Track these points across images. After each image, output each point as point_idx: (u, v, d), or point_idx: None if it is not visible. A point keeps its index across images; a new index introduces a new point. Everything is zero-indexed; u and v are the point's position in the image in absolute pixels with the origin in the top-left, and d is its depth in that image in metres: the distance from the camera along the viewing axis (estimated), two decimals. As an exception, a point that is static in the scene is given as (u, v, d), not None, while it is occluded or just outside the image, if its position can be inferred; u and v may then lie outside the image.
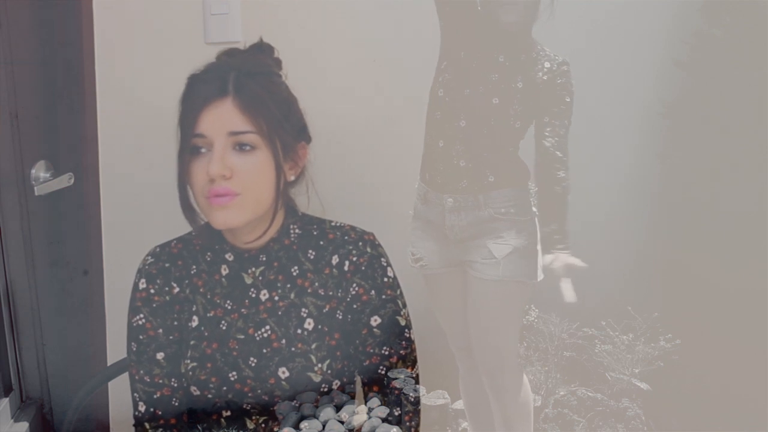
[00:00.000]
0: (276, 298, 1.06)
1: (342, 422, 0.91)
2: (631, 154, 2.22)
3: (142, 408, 1.05)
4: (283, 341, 1.04)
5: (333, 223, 1.11)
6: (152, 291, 1.07)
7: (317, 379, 1.02)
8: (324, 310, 1.05)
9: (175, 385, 1.05)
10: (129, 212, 1.81)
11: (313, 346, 1.04)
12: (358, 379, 1.07)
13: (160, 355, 1.05)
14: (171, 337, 1.06)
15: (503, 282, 1.60)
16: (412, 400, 1.03)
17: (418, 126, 1.68)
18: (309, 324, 1.05)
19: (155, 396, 1.04)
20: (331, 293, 1.06)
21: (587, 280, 2.23)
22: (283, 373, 1.03)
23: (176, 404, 1.05)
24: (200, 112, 0.98)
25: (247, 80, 0.99)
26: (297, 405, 0.96)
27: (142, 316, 1.06)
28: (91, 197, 1.53)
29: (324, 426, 0.90)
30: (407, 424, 1.00)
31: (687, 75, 2.24)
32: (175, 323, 1.07)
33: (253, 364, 1.04)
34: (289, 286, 1.06)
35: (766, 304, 1.92)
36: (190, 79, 1.01)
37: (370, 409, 0.95)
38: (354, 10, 2.06)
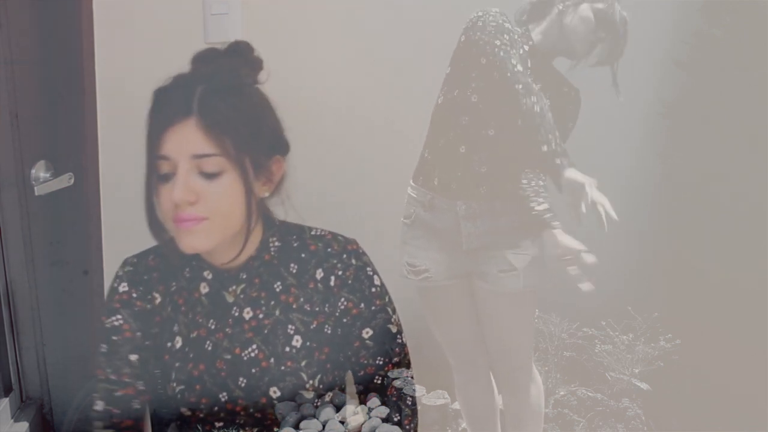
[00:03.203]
0: (261, 315, 1.02)
1: (342, 422, 0.91)
2: (631, 154, 2.23)
3: (99, 406, 1.00)
4: (272, 360, 1.00)
5: (313, 232, 1.06)
6: (134, 295, 1.03)
7: (309, 395, 0.98)
8: (312, 327, 1.02)
9: (141, 388, 1.02)
10: (129, 212, 1.81)
11: (303, 363, 1.01)
12: (349, 377, 1.06)
13: (133, 357, 1.01)
14: (147, 342, 1.02)
15: (522, 292, 1.59)
16: (410, 402, 1.02)
17: (417, 127, 1.67)
18: (297, 341, 1.01)
19: (116, 393, 1.00)
20: (317, 309, 1.02)
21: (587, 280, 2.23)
22: (274, 392, 1.00)
23: (137, 407, 1.01)
24: (163, 133, 0.93)
25: (214, 97, 0.93)
26: (297, 405, 0.96)
27: (120, 317, 1.02)
28: (91, 197, 1.53)
29: (324, 426, 0.90)
30: (407, 427, 0.99)
31: (687, 75, 2.24)
32: (153, 331, 1.03)
33: (243, 385, 1.00)
34: (273, 302, 1.02)
35: (766, 304, 1.92)
36: (155, 93, 0.96)
37: (370, 409, 0.94)
38: (354, 10, 2.06)
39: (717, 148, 2.13)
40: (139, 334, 1.02)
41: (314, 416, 0.92)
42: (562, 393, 2.21)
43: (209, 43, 1.89)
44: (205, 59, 0.99)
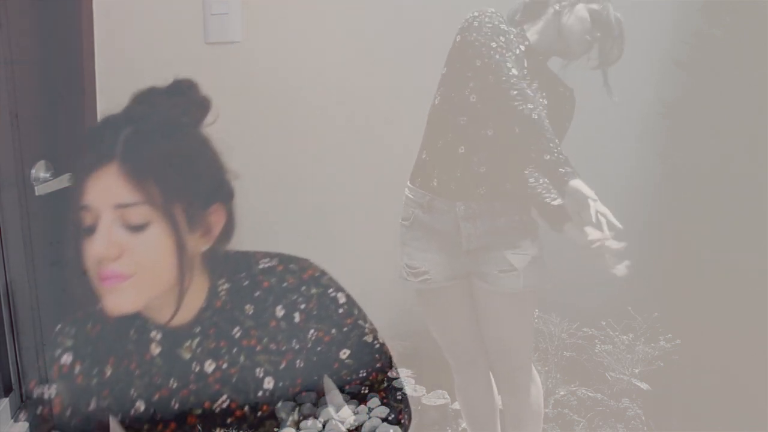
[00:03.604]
0: (224, 365, 0.94)
1: (342, 422, 0.91)
2: (631, 154, 2.23)
3: None
4: (246, 408, 0.95)
5: (261, 265, 0.97)
6: (77, 370, 0.93)
7: (294, 429, 0.96)
8: (281, 366, 0.95)
9: None
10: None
11: (279, 404, 0.96)
12: (328, 383, 1.02)
13: None
14: (73, 422, 0.94)
15: (522, 292, 1.59)
16: (399, 396, 1.01)
17: (417, 127, 1.67)
18: (269, 383, 0.95)
19: None
20: (284, 347, 0.95)
21: (587, 280, 2.23)
22: None
23: None
24: (84, 180, 0.83)
25: (140, 140, 0.83)
26: (297, 405, 0.96)
27: (54, 388, 0.93)
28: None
29: (324, 426, 0.90)
30: (402, 422, 0.98)
31: (687, 75, 2.24)
32: (89, 408, 0.95)
33: None
34: (235, 350, 0.94)
35: (766, 304, 1.92)
36: (79, 139, 0.90)
37: (370, 409, 0.94)
38: (354, 11, 2.06)
39: (717, 148, 2.13)
40: (69, 411, 0.94)
41: (314, 416, 0.92)
42: (562, 393, 2.21)
43: (209, 43, 1.89)
44: (141, 99, 0.90)
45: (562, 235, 1.46)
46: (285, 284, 0.96)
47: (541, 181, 1.50)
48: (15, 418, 1.35)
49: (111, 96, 1.64)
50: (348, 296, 0.99)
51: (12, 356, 1.39)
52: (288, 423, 0.92)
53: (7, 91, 1.26)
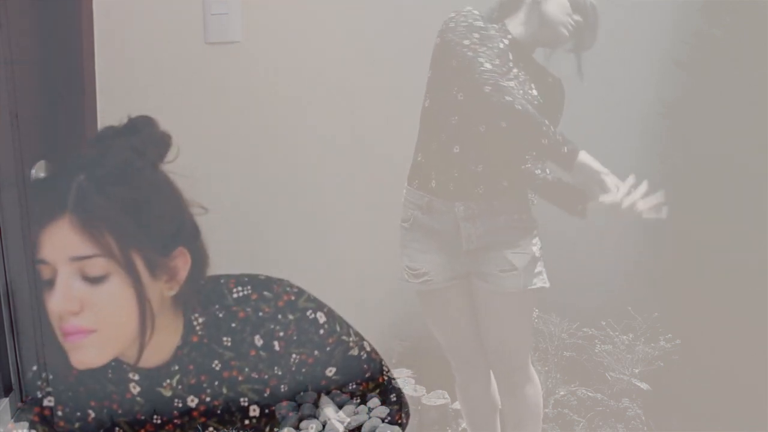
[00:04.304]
0: (207, 399, 0.93)
1: (342, 422, 0.91)
2: (631, 154, 2.22)
3: None
4: None
5: (235, 294, 0.94)
6: (60, 414, 0.92)
7: (291, 423, 0.95)
8: (265, 394, 0.94)
9: None
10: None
11: (267, 429, 0.95)
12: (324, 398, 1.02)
13: None
14: None
15: (523, 291, 1.59)
16: (395, 400, 1.01)
17: (417, 127, 1.67)
18: (254, 410, 0.94)
19: None
20: (267, 375, 0.94)
21: (587, 280, 2.23)
22: None
23: None
24: (39, 234, 0.80)
25: (93, 190, 0.79)
26: (297, 405, 0.96)
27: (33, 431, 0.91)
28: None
29: (324, 426, 0.90)
30: (399, 421, 0.98)
31: (687, 75, 2.24)
32: None
33: None
34: (216, 383, 0.93)
35: (766, 304, 1.92)
36: (31, 191, 0.87)
37: (370, 409, 0.94)
38: (354, 11, 2.06)
39: (717, 148, 2.13)
40: None
41: (314, 416, 0.92)
42: (562, 393, 2.21)
43: (209, 43, 1.89)
44: (95, 142, 0.85)
45: (586, 217, 1.45)
46: (261, 313, 0.93)
47: (548, 170, 1.51)
48: (15, 418, 1.35)
49: (111, 96, 1.65)
50: (328, 313, 0.97)
51: (12, 356, 1.39)
52: (288, 423, 0.92)
53: (7, 91, 1.26)
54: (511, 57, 1.55)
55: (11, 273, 1.36)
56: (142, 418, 0.93)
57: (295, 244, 2.03)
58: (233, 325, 0.93)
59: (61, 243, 0.79)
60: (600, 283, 2.28)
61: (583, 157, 1.41)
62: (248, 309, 0.93)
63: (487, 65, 1.43)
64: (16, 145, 1.30)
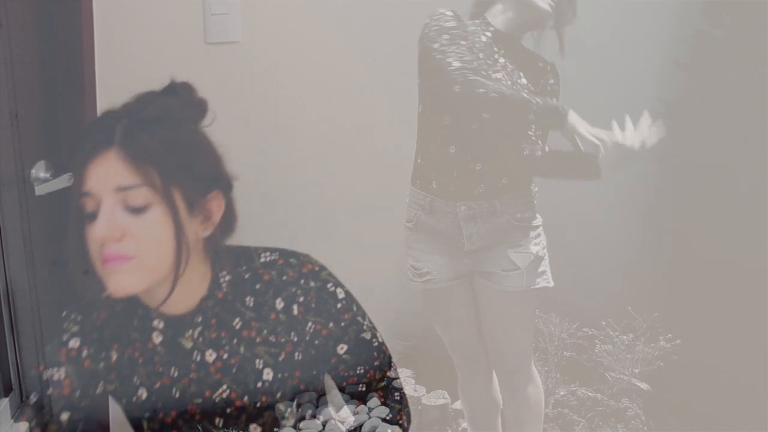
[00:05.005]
0: (225, 356, 0.96)
1: (342, 422, 0.91)
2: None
3: None
4: (246, 398, 0.97)
5: (262, 259, 1.00)
6: (84, 354, 0.96)
7: (291, 422, 0.97)
8: (280, 358, 0.97)
9: None
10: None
11: (278, 395, 0.97)
12: (329, 381, 1.03)
13: (64, 416, 0.94)
14: (83, 402, 0.96)
15: (525, 291, 1.59)
16: (398, 396, 1.01)
17: (416, 128, 1.67)
18: (268, 374, 0.97)
19: None
20: (284, 339, 0.97)
21: (587, 280, 2.23)
22: (255, 429, 0.97)
23: None
24: (85, 167, 0.86)
25: (138, 129, 0.87)
26: (297, 405, 0.96)
27: (63, 371, 0.94)
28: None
29: (324, 426, 0.90)
30: (400, 422, 0.98)
31: (687, 75, 2.24)
32: (97, 391, 0.97)
33: (221, 424, 0.97)
34: (235, 340, 0.97)
35: (766, 304, 1.92)
36: (78, 132, 0.92)
37: (370, 409, 0.94)
38: (354, 11, 2.06)
39: (717, 148, 2.13)
40: (78, 393, 0.95)
41: (314, 416, 0.92)
42: (562, 393, 2.21)
43: (209, 43, 1.89)
44: (138, 97, 0.93)
45: (601, 175, 1.45)
46: (285, 277, 0.98)
47: (546, 149, 1.52)
48: (15, 418, 1.35)
49: (111, 96, 1.64)
50: (347, 292, 1.01)
51: (12, 356, 1.39)
52: (288, 423, 0.92)
53: (7, 91, 1.26)
54: (495, 48, 1.56)
55: (11, 273, 1.36)
56: (160, 369, 0.97)
57: (296, 245, 2.03)
58: (258, 286, 0.98)
59: (107, 174, 0.85)
60: (600, 283, 2.28)
61: (572, 117, 1.43)
62: (273, 272, 0.98)
63: (456, 63, 1.43)
64: (16, 145, 1.30)
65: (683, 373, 2.12)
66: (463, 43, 1.48)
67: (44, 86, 1.40)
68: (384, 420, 0.93)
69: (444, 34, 1.48)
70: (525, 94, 1.44)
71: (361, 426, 0.92)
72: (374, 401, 0.96)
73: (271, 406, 0.97)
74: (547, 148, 1.54)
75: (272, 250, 1.01)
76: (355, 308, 1.01)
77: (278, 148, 2.02)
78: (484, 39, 1.55)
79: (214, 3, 1.87)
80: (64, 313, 0.99)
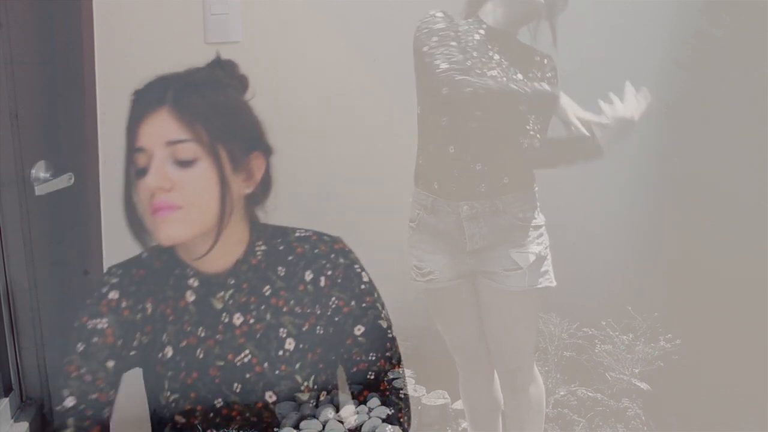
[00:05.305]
0: (251, 320, 1.01)
1: (342, 422, 0.91)
2: (632, 154, 2.23)
3: (70, 403, 0.96)
4: (266, 365, 1.00)
5: (298, 234, 1.06)
6: (123, 305, 1.01)
7: (305, 397, 1.00)
8: (303, 329, 1.02)
9: (112, 397, 0.99)
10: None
11: (297, 365, 1.01)
12: (341, 377, 1.05)
13: (110, 363, 0.98)
14: (124, 353, 1.00)
15: (527, 291, 1.59)
16: (403, 397, 1.02)
17: (417, 128, 1.67)
18: (290, 344, 1.01)
19: (91, 396, 0.97)
20: (309, 310, 1.02)
21: (587, 280, 2.23)
22: (270, 396, 1.00)
23: (105, 416, 0.97)
24: (138, 125, 0.94)
25: (187, 90, 0.95)
26: (297, 405, 0.96)
27: (105, 321, 0.99)
28: (91, 197, 1.53)
29: (324, 426, 0.90)
30: (401, 420, 0.99)
31: (688, 75, 2.24)
32: (135, 344, 1.01)
33: (238, 390, 1.00)
34: (263, 307, 1.02)
35: (766, 304, 1.92)
36: (133, 95, 0.97)
37: (370, 409, 0.94)
38: (354, 11, 2.06)
39: (717, 148, 2.13)
40: (120, 342, 1.00)
41: (314, 416, 0.92)
42: (562, 393, 2.21)
43: (209, 43, 1.89)
44: (186, 69, 1.01)
45: (604, 152, 1.47)
46: (316, 250, 1.04)
47: (539, 125, 1.53)
48: (15, 418, 1.35)
49: (111, 96, 1.64)
50: (371, 280, 1.06)
51: (12, 356, 1.39)
52: (288, 423, 0.92)
53: (7, 91, 1.26)
54: (489, 46, 1.56)
55: (11, 273, 1.36)
56: (188, 329, 1.02)
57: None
58: (290, 258, 1.04)
59: (159, 130, 0.93)
60: (600, 283, 2.28)
61: (564, 101, 1.44)
62: (306, 246, 1.05)
63: (443, 65, 1.43)
64: (16, 145, 1.30)
65: (683, 373, 2.13)
66: (453, 44, 1.48)
67: (44, 86, 1.40)
68: (384, 420, 0.93)
69: (433, 36, 1.49)
70: (513, 85, 1.44)
71: (361, 426, 0.92)
72: (374, 401, 0.96)
73: (289, 376, 1.00)
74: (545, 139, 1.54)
75: (307, 229, 1.07)
76: (376, 295, 1.06)
77: (277, 148, 2.02)
78: (477, 37, 1.55)
79: (214, 3, 1.87)
80: (106, 270, 1.05)
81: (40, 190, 1.34)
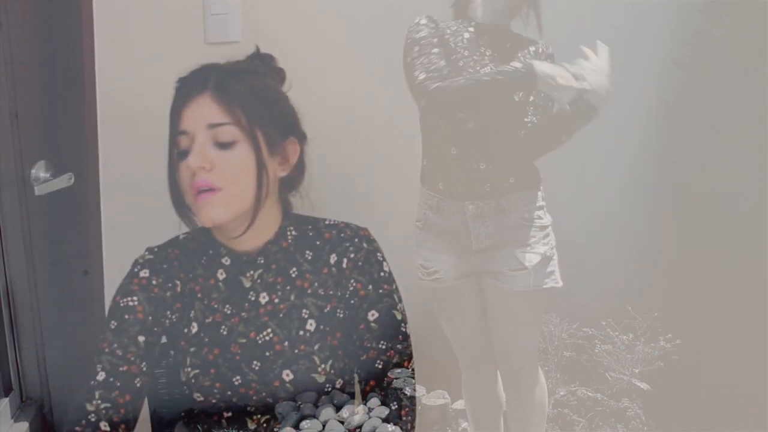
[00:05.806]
0: (276, 300, 1.05)
1: (342, 422, 0.91)
2: (632, 154, 2.22)
3: (101, 377, 0.99)
4: (286, 344, 1.03)
5: (327, 222, 1.11)
6: (154, 282, 1.06)
7: (321, 379, 1.02)
8: (325, 311, 1.05)
9: (144, 369, 1.02)
10: (129, 212, 1.81)
11: (316, 347, 1.03)
12: (356, 380, 1.06)
13: (141, 338, 1.03)
14: (156, 329, 1.05)
15: (533, 291, 1.59)
16: (409, 395, 1.02)
17: (418, 128, 1.67)
18: (311, 325, 1.05)
19: (121, 368, 1.00)
20: (331, 293, 1.06)
21: (587, 280, 2.23)
22: (287, 375, 1.02)
23: (138, 385, 1.01)
24: (181, 109, 1.00)
25: (228, 77, 1.02)
26: (297, 405, 0.96)
27: (135, 299, 1.04)
28: (91, 197, 1.53)
29: (324, 426, 0.90)
30: (404, 419, 0.99)
31: (688, 75, 2.24)
32: (165, 321, 1.06)
33: (257, 368, 1.03)
34: (288, 287, 1.06)
35: (766, 304, 1.92)
36: (177, 82, 1.03)
37: (370, 409, 0.94)
38: (354, 11, 2.06)
39: (717, 148, 2.13)
40: (150, 318, 1.04)
41: (314, 416, 0.92)
42: (562, 393, 2.21)
43: (209, 43, 1.89)
44: (227, 61, 1.09)
45: (599, 111, 1.49)
46: (342, 235, 1.08)
47: (534, 120, 1.53)
48: (15, 418, 1.35)
49: (111, 96, 1.64)
50: (391, 272, 1.09)
51: (12, 356, 1.39)
52: (288, 423, 0.92)
53: (7, 91, 1.26)
54: (481, 42, 1.56)
55: (11, 273, 1.36)
56: (215, 306, 1.06)
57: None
58: (318, 242, 1.09)
59: (201, 113, 0.99)
60: (600, 283, 2.28)
61: (539, 66, 1.43)
62: (333, 231, 1.09)
63: (421, 76, 1.45)
64: (16, 145, 1.30)
65: (683, 373, 2.12)
66: (435, 50, 1.49)
67: (44, 86, 1.40)
68: (384, 420, 0.93)
69: (415, 46, 1.50)
70: (483, 75, 1.44)
71: (361, 426, 0.92)
72: (374, 401, 0.96)
73: (308, 356, 1.03)
74: (535, 119, 1.53)
75: (337, 220, 1.12)
76: (394, 286, 1.08)
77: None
78: (467, 36, 1.55)
79: (214, 3, 1.87)
80: (147, 248, 1.10)
81: (40, 190, 1.34)
